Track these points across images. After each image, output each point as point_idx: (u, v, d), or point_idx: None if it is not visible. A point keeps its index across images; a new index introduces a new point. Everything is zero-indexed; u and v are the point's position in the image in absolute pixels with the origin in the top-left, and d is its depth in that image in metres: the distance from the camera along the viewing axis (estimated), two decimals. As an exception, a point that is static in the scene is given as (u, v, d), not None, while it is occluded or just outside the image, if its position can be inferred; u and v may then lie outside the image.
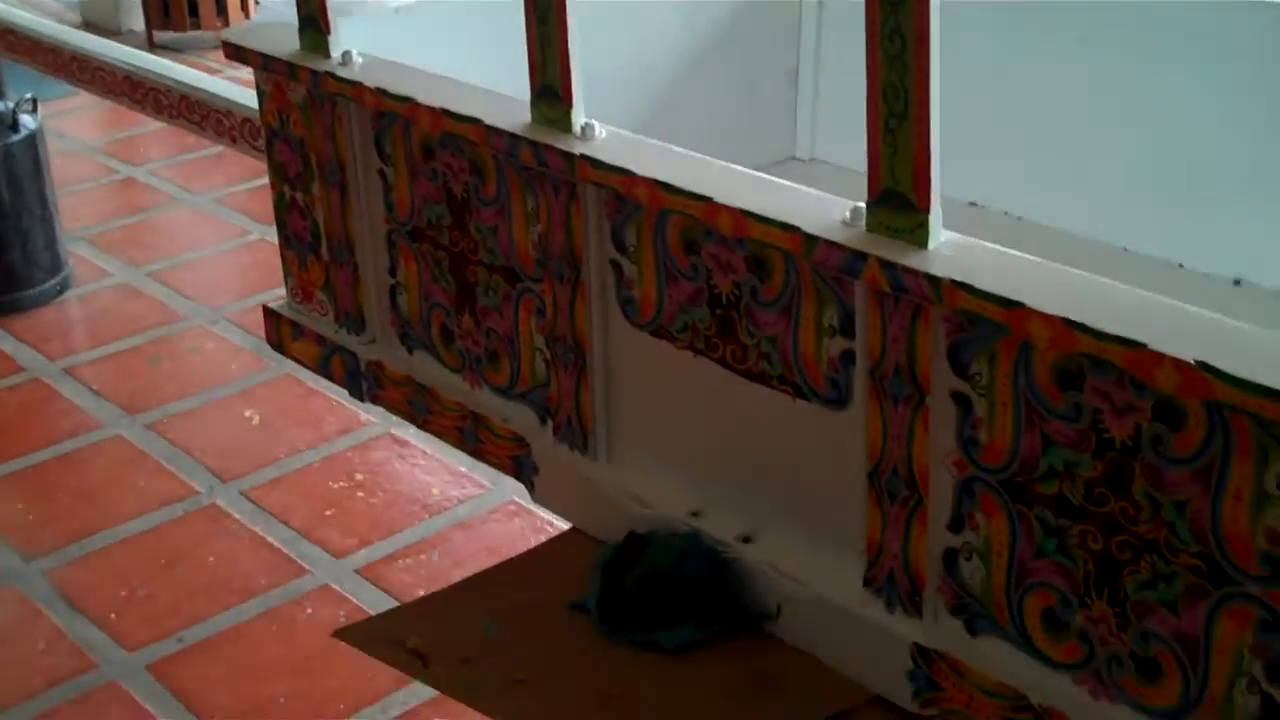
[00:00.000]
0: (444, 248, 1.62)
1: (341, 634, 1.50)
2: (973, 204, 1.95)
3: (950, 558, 1.24)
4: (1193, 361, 0.99)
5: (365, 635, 1.51)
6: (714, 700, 1.34)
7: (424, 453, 2.69)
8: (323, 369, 1.85)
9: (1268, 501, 1.02)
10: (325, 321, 1.83)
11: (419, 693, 2.11)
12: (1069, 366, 1.10)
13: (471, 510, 2.54)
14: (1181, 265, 1.79)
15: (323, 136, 1.70)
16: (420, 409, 1.72)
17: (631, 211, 1.39)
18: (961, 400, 1.18)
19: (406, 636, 1.46)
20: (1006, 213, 1.94)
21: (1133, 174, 1.83)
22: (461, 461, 2.63)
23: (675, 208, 1.31)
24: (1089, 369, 1.08)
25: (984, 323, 1.13)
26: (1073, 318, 1.05)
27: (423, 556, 2.43)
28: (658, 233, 1.38)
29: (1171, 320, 1.05)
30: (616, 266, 1.44)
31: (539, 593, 1.51)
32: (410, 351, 1.74)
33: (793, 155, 2.17)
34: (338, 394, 2.65)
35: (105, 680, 2.17)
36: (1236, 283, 1.76)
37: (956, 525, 1.23)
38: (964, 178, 1.80)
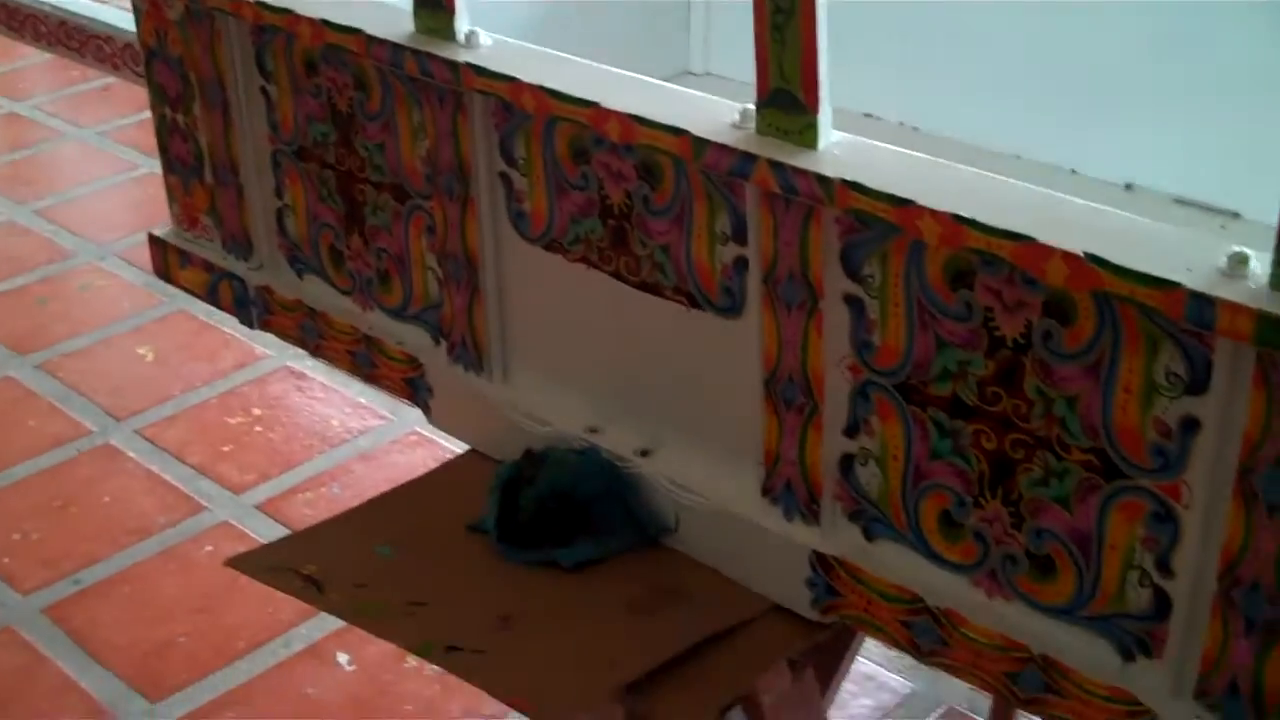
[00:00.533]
0: (330, 166, 1.58)
1: (234, 562, 1.47)
2: (868, 115, 1.94)
3: (847, 463, 1.24)
4: (1081, 254, 0.98)
5: (258, 563, 1.47)
6: (613, 615, 1.33)
7: (322, 385, 2.66)
8: (210, 296, 1.80)
9: (1156, 393, 1.02)
10: (212, 247, 1.78)
11: (322, 625, 2.10)
12: (960, 265, 1.09)
13: (372, 442, 2.51)
14: (1074, 171, 1.81)
15: (202, 54, 1.64)
16: (312, 334, 1.69)
17: (520, 121, 1.36)
18: (854, 303, 1.17)
19: (301, 563, 1.43)
20: (902, 123, 1.94)
21: (1025, 82, 1.83)
22: (361, 393, 2.60)
23: (563, 115, 1.28)
24: (980, 267, 1.08)
25: (875, 223, 1.11)
26: (962, 214, 1.04)
27: (323, 490, 2.41)
28: (546, 142, 1.35)
29: (1060, 214, 1.04)
30: (506, 179, 1.41)
31: (436, 516, 1.49)
32: (300, 275, 1.70)
33: (687, 70, 2.14)
34: (233, 327, 2.60)
35: (0, 626, 2.13)
36: (1128, 187, 1.78)
37: (852, 430, 1.22)
38: (859, 89, 1.80)
